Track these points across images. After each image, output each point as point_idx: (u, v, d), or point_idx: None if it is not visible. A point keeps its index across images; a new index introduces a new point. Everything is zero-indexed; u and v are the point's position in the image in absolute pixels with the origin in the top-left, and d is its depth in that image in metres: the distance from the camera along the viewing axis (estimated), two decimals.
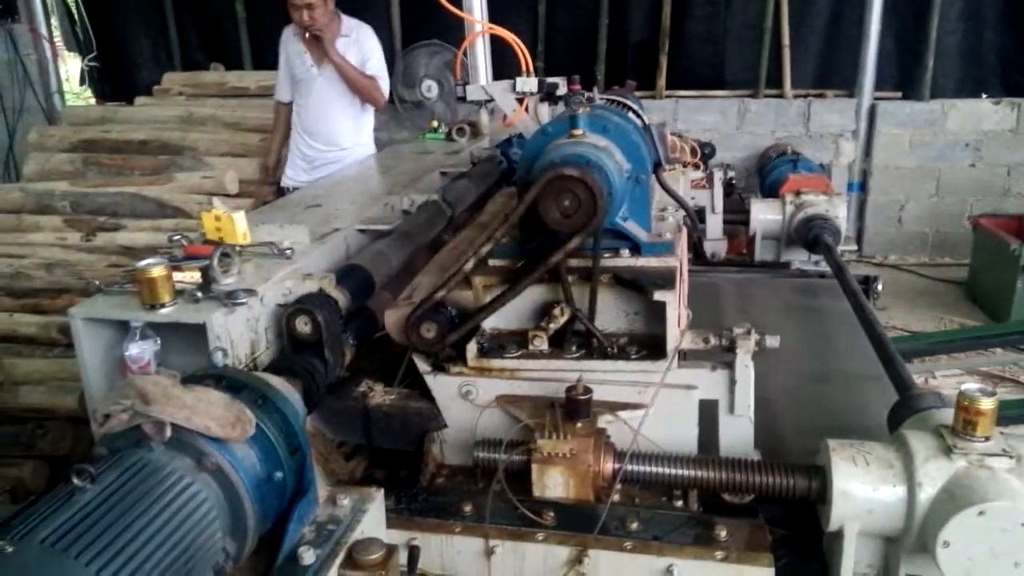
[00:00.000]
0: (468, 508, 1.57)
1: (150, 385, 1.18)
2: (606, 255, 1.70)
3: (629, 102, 2.21)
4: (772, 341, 1.63)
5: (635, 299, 1.70)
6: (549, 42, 6.58)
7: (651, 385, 1.64)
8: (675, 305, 1.62)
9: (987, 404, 1.34)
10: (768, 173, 5.13)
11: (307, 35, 4.10)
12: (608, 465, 1.56)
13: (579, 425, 1.57)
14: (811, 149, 6.10)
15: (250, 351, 1.60)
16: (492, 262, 1.78)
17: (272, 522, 1.31)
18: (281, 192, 4.25)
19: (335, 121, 4.20)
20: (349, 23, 4.20)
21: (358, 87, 4.15)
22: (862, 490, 1.38)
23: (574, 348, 1.68)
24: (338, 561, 1.33)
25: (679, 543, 1.46)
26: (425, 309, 1.68)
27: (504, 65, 3.14)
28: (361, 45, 4.16)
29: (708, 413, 1.69)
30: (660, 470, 1.55)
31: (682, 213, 2.02)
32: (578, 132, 1.65)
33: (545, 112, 2.49)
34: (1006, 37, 6.17)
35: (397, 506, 1.60)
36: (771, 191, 4.51)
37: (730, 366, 1.64)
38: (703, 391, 1.67)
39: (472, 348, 1.69)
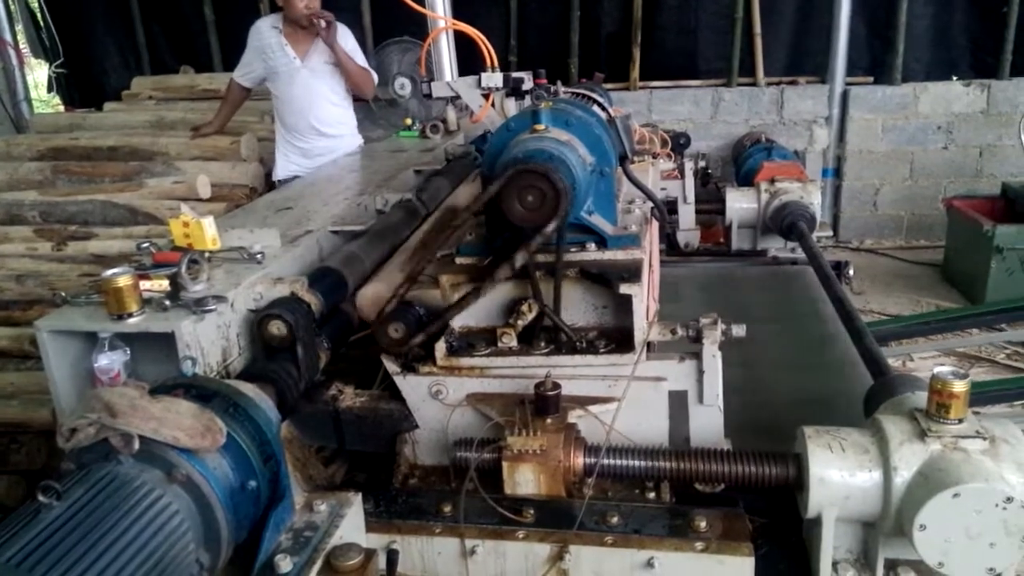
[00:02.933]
0: (448, 509, 1.56)
1: (116, 397, 1.16)
2: (572, 249, 1.70)
3: (595, 95, 2.20)
4: (738, 330, 1.64)
5: (602, 293, 1.70)
6: (522, 36, 6.57)
7: (620, 378, 1.63)
8: (642, 297, 1.61)
9: (960, 387, 1.34)
10: (743, 162, 5.16)
11: (286, 28, 4.16)
12: (579, 460, 1.55)
13: (549, 421, 1.56)
14: (785, 136, 6.15)
15: (222, 358, 1.58)
16: (459, 260, 1.77)
17: (247, 531, 1.29)
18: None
19: (323, 111, 4.29)
20: None
21: (357, 79, 4.29)
22: (839, 476, 1.38)
23: (543, 344, 1.67)
24: (316, 568, 1.31)
25: (659, 535, 1.46)
26: (392, 309, 1.67)
27: (476, 61, 3.13)
28: (344, 43, 4.24)
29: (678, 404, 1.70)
30: (639, 463, 1.55)
31: (650, 205, 2.02)
32: (540, 127, 1.64)
33: (512, 107, 2.48)
34: (974, 19, 6.23)
35: (376, 509, 1.58)
36: (746, 179, 4.53)
37: (698, 356, 1.64)
38: (672, 382, 1.66)
39: (441, 347, 1.68)
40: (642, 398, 1.65)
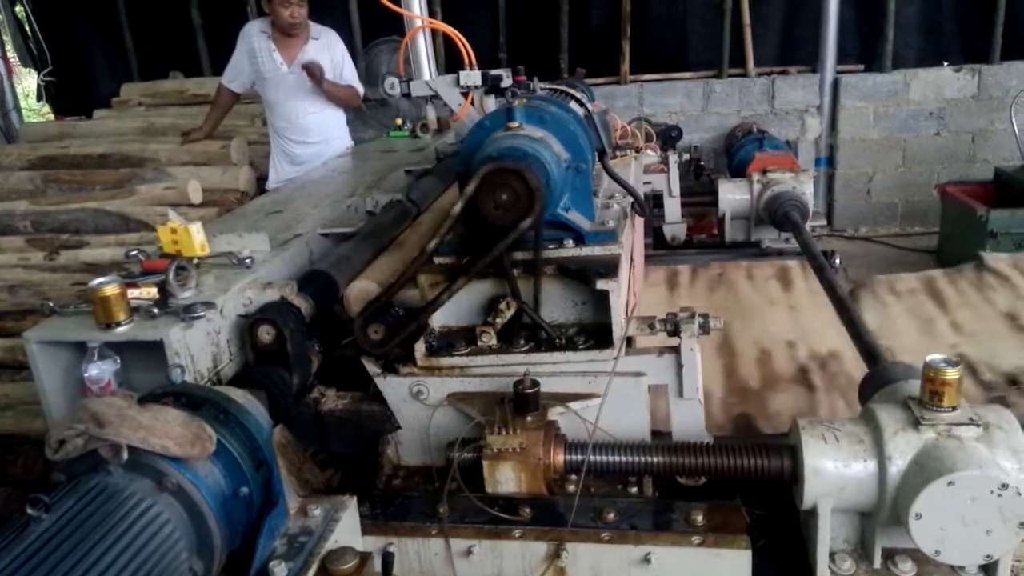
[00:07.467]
0: (443, 510, 1.55)
1: (103, 407, 1.15)
2: (550, 246, 1.69)
3: (575, 91, 2.19)
4: (716, 323, 1.63)
5: (581, 289, 1.69)
6: (511, 33, 6.55)
7: (600, 374, 1.63)
8: (620, 293, 1.60)
9: (952, 374, 1.33)
10: (735, 153, 5.16)
11: (274, 33, 4.16)
12: (559, 457, 1.55)
13: (528, 419, 1.56)
14: (777, 127, 6.14)
15: (212, 365, 1.57)
16: (437, 259, 1.76)
17: (241, 538, 1.28)
18: None
19: (310, 116, 4.31)
20: (317, 27, 4.30)
21: (344, 99, 4.34)
22: (833, 467, 1.38)
23: (522, 342, 1.67)
24: (311, 573, 1.30)
25: (655, 530, 1.46)
26: (371, 311, 1.67)
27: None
28: (333, 51, 4.29)
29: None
30: (628, 458, 1.54)
31: (630, 200, 2.01)
32: (514, 124, 1.63)
33: (491, 105, 2.47)
34: (963, 4, 6.21)
35: (372, 512, 1.58)
36: (739, 171, 4.53)
37: (676, 351, 1.63)
38: (652, 377, 1.66)
39: (420, 347, 1.68)
40: (622, 393, 1.65)
